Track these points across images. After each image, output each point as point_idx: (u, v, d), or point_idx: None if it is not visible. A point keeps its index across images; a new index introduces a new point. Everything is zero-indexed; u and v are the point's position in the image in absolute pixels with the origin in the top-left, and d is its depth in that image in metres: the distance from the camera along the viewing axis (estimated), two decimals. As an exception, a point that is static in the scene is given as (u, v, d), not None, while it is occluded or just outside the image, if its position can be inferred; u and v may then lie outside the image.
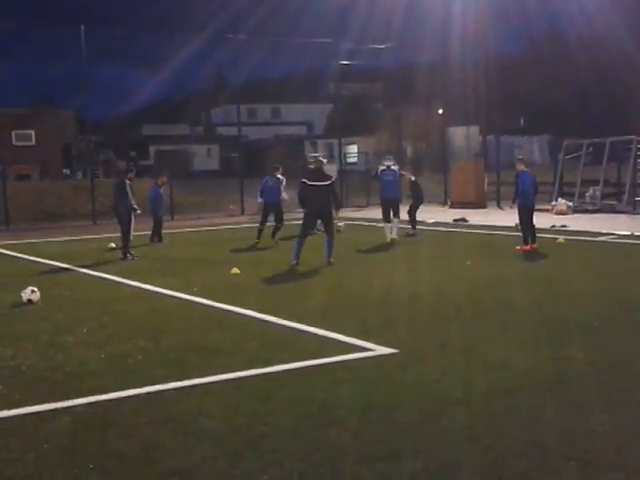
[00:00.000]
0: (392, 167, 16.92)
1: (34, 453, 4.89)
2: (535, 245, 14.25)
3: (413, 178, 18.61)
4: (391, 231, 16.44)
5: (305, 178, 13.31)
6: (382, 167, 16.97)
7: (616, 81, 40.98)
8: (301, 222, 13.65)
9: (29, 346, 7.75)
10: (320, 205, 13.10)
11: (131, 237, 15.05)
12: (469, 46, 41.05)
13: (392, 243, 16.20)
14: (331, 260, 13.05)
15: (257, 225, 17.39)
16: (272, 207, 17.12)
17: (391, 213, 16.50)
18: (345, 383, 6.16)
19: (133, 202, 14.88)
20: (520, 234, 14.65)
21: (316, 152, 51.20)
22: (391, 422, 5.24)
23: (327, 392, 5.90)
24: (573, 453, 4.63)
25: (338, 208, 13.90)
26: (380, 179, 16.84)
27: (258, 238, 16.84)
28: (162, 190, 18.11)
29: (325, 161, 14.00)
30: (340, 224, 18.28)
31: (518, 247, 14.30)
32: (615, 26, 38.70)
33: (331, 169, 19.47)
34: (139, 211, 15.06)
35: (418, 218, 18.22)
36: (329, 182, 13.12)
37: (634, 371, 6.32)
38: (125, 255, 14.81)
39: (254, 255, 15.27)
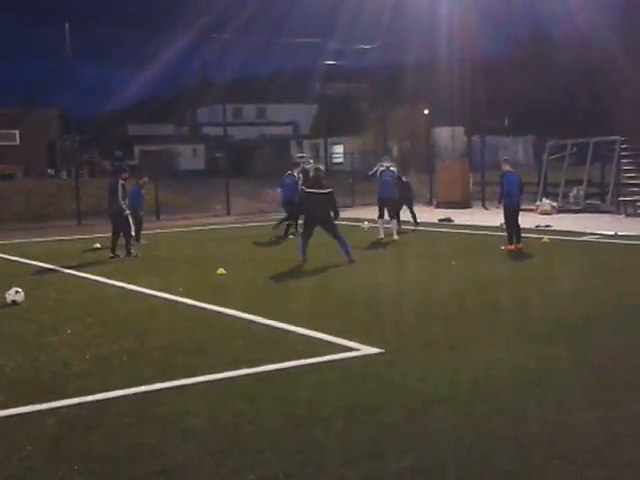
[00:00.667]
0: (391, 168, 17.28)
1: (18, 454, 4.86)
2: (520, 245, 14.33)
3: (404, 179, 18.79)
4: (392, 232, 16.80)
5: (304, 185, 13.85)
6: (381, 167, 17.31)
7: (600, 81, 41.25)
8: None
9: (13, 347, 7.71)
10: (317, 212, 13.35)
11: (132, 234, 15.21)
12: (455, 46, 41.20)
13: (382, 242, 16.47)
14: (352, 258, 13.17)
15: (247, 225, 17.64)
16: (287, 203, 18.03)
17: (386, 213, 17.00)
18: (331, 383, 6.17)
19: (122, 203, 14.83)
20: (505, 234, 14.72)
21: (302, 152, 51.24)
22: (376, 422, 5.26)
23: (313, 392, 5.91)
24: (557, 451, 4.67)
25: (336, 217, 13.91)
26: (380, 179, 17.16)
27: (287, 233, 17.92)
28: (143, 191, 17.96)
29: (312, 163, 14.38)
30: (364, 225, 18.91)
31: (503, 247, 14.38)
32: (599, 26, 38.94)
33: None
34: (127, 212, 14.99)
35: (404, 218, 18.29)
36: (327, 191, 13.39)
37: (617, 370, 6.38)
38: (129, 252, 14.92)
39: (240, 255, 15.24)
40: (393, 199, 17.13)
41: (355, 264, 13.01)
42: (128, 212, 15.02)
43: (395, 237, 16.73)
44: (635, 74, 36.97)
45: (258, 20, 41.95)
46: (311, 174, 14.69)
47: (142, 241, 17.48)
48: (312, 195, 13.37)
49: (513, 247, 14.23)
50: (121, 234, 15.06)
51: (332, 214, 13.53)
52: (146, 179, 18.29)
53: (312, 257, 13.67)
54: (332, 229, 13.44)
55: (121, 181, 15.05)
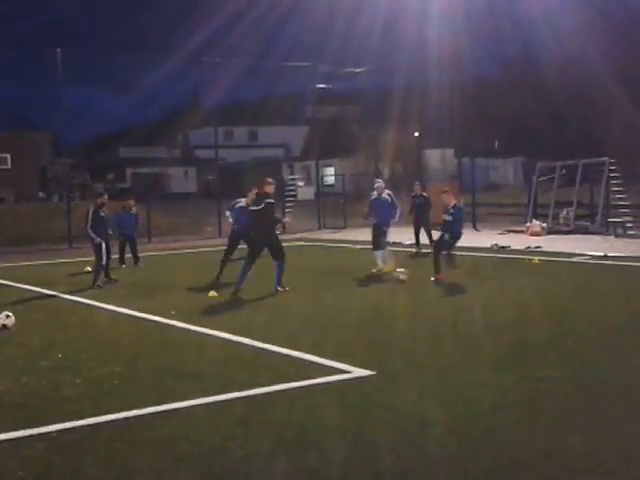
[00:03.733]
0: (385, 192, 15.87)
1: (9, 480, 4.83)
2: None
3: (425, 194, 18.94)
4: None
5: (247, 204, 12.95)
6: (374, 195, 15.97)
7: (589, 104, 41.67)
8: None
9: (3, 371, 7.66)
10: (258, 229, 12.39)
11: (103, 263, 14.41)
12: (444, 69, 41.64)
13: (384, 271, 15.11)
14: (279, 288, 12.50)
15: (238, 247, 17.39)
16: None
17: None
18: (323, 405, 6.16)
19: (90, 231, 14.24)
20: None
21: (293, 174, 51.39)
22: (370, 444, 5.25)
23: (305, 415, 5.90)
24: (551, 472, 4.67)
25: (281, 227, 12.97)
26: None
27: None
28: (133, 211, 17.73)
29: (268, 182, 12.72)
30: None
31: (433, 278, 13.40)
32: (587, 49, 39.42)
33: (308, 191, 19.47)
34: (96, 240, 14.24)
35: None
36: (262, 205, 12.27)
37: (609, 390, 6.40)
38: (94, 283, 14.19)
39: (231, 277, 15.22)
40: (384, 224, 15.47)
41: (345, 286, 13.01)
42: (99, 240, 14.27)
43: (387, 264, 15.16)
44: (623, 97, 37.37)
45: (248, 44, 42.30)
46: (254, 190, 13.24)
47: (140, 264, 17.45)
48: (252, 212, 12.49)
49: (441, 277, 13.27)
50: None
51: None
52: (132, 202, 18.01)
53: (303, 280, 13.70)
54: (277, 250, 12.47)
55: (93, 207, 14.45)
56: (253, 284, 13.79)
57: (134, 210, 17.98)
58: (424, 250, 17.72)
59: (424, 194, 19.14)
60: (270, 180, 12.65)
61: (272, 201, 12.50)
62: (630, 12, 44.63)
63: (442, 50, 39.31)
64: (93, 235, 14.36)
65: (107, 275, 14.85)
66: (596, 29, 39.67)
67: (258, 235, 12.57)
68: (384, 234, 15.41)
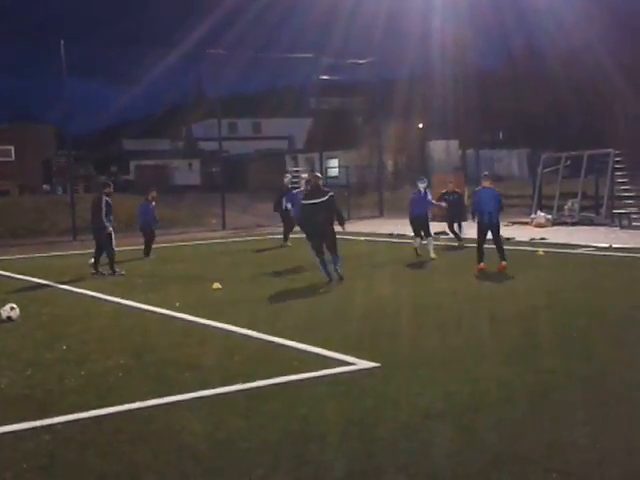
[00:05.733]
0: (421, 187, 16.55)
1: (12, 472, 4.83)
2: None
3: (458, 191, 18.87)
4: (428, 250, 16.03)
5: (303, 198, 12.95)
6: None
7: (593, 95, 41.53)
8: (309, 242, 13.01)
9: (8, 363, 7.68)
10: (319, 224, 12.41)
11: (114, 253, 14.78)
12: (448, 61, 41.51)
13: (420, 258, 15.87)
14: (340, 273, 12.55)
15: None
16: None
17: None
18: (327, 398, 6.16)
19: (105, 220, 14.45)
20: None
21: (297, 166, 51.30)
22: (373, 437, 5.25)
23: (309, 407, 5.90)
24: (554, 465, 4.66)
25: (342, 224, 13.00)
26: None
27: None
28: (153, 204, 18.18)
29: (317, 176, 13.23)
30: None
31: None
32: (591, 41, 39.25)
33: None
34: (110, 229, 14.53)
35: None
36: (327, 198, 12.41)
37: (613, 383, 6.38)
38: (113, 271, 14.58)
39: (236, 269, 15.23)
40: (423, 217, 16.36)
41: (350, 278, 13.00)
42: (111, 229, 14.56)
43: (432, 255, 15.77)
44: (627, 89, 37.23)
45: (252, 36, 42.20)
46: (309, 185, 13.40)
47: (151, 255, 17.54)
48: (312, 206, 12.48)
49: (482, 266, 13.53)
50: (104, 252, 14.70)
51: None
52: (155, 193, 18.44)
53: (307, 272, 13.69)
54: (331, 243, 12.53)
55: (105, 197, 14.66)
56: (256, 276, 13.80)
57: (154, 203, 18.31)
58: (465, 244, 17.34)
59: (457, 190, 19.10)
60: (318, 175, 13.28)
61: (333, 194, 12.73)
62: (634, 4, 44.40)
63: (446, 42, 39.22)
64: (107, 224, 14.50)
65: (95, 267, 14.83)
66: (600, 21, 39.48)
67: (318, 227, 12.51)
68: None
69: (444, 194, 18.77)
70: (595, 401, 5.90)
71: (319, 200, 12.43)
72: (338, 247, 12.79)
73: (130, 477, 4.72)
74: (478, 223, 13.87)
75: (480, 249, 13.68)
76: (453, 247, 17.79)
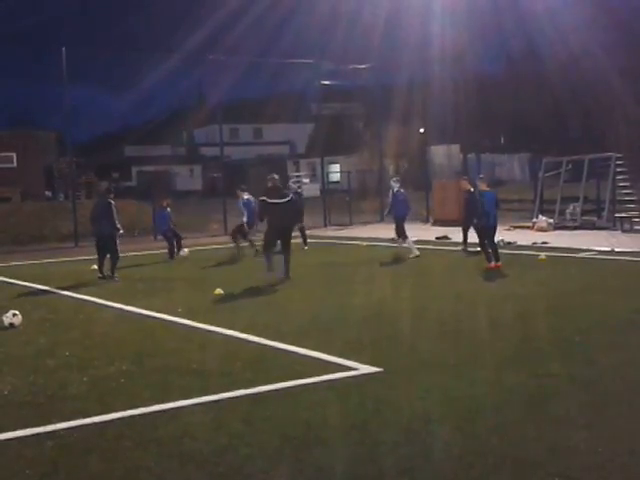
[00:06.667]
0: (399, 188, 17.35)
1: (16, 479, 4.84)
2: (499, 263, 14.25)
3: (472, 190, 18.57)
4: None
5: (264, 196, 13.83)
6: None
7: (593, 99, 41.55)
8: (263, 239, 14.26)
9: (10, 370, 7.69)
10: (283, 222, 13.67)
11: (119, 257, 15.00)
12: (449, 66, 41.57)
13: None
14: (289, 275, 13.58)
15: (256, 243, 18.16)
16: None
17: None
18: (329, 403, 6.16)
19: (117, 222, 14.77)
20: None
21: (299, 171, 51.37)
22: (375, 441, 5.25)
23: (311, 412, 5.90)
24: (556, 470, 4.66)
25: (300, 221, 14.36)
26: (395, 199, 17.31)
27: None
28: (168, 210, 19.10)
29: (276, 176, 14.34)
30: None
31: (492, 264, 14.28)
32: (591, 46, 39.30)
33: (313, 188, 19.89)
34: (122, 231, 14.98)
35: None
36: (289, 199, 13.71)
37: (614, 387, 6.38)
38: (113, 274, 14.75)
39: (237, 274, 15.24)
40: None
41: (351, 282, 13.01)
42: (122, 232, 14.95)
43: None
44: (627, 93, 37.27)
45: (252, 41, 42.30)
46: (269, 184, 14.29)
47: (182, 252, 18.57)
48: (274, 205, 13.56)
49: (493, 265, 14.20)
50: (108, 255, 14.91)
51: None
52: (169, 200, 19.43)
53: (309, 277, 13.70)
54: (287, 242, 13.77)
55: (112, 203, 14.87)
56: (257, 281, 13.81)
57: (168, 209, 19.15)
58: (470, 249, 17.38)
59: (471, 190, 18.48)
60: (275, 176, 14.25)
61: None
62: (634, 8, 44.46)
63: (446, 46, 39.28)
64: (119, 226, 14.81)
65: (101, 270, 14.91)
66: (600, 25, 39.52)
67: (281, 225, 13.72)
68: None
69: (467, 192, 17.98)
70: (596, 405, 5.91)
71: (282, 201, 13.61)
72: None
73: (132, 483, 4.73)
74: (483, 225, 14.16)
75: (487, 249, 14.30)
76: (459, 251, 17.79)
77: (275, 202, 13.60)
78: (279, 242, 14.07)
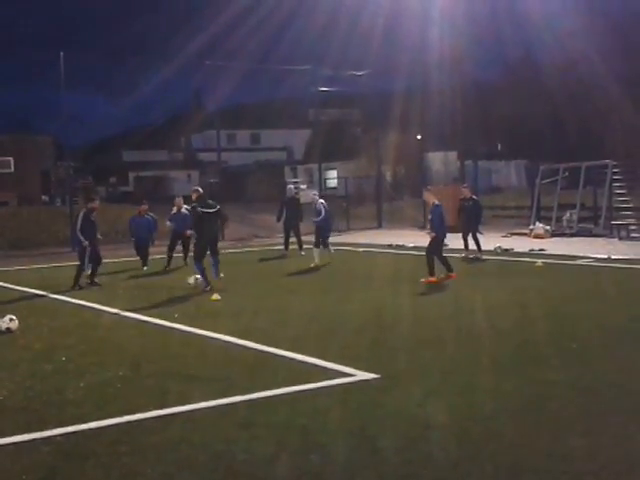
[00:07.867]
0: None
1: (12, 484, 4.83)
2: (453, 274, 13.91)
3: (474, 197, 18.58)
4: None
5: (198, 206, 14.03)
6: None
7: (590, 106, 41.68)
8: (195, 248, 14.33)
9: (7, 375, 7.66)
10: (214, 230, 14.13)
11: (84, 267, 14.73)
12: (446, 72, 41.63)
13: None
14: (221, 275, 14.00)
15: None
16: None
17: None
18: (327, 409, 6.15)
19: (79, 234, 14.60)
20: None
21: (296, 177, 51.38)
22: (373, 448, 5.24)
23: (308, 418, 5.90)
24: (553, 476, 4.66)
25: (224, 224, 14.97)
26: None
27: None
28: (150, 216, 18.50)
29: (200, 190, 14.59)
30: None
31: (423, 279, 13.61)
32: (588, 52, 39.44)
33: (310, 194, 20.13)
34: (85, 243, 14.59)
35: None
36: (217, 208, 14.04)
37: (612, 394, 6.38)
38: (75, 284, 14.50)
39: (234, 280, 15.23)
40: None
41: (349, 288, 12.99)
42: (86, 243, 14.58)
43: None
44: (624, 99, 37.37)
45: (250, 47, 42.37)
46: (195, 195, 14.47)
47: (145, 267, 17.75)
48: (207, 215, 13.82)
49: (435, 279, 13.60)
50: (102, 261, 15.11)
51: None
52: (146, 207, 18.59)
53: (306, 283, 13.69)
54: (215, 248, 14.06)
55: (84, 211, 14.83)
56: (255, 287, 13.82)
57: (150, 215, 18.45)
58: (471, 256, 17.32)
59: (474, 197, 18.19)
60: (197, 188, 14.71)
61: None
62: (631, 14, 44.66)
63: (443, 53, 39.30)
64: (82, 237, 14.68)
65: (92, 279, 14.83)
66: (597, 31, 39.66)
67: (212, 233, 14.14)
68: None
69: (462, 200, 18.09)
70: (593, 411, 5.91)
71: (213, 210, 13.96)
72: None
73: (129, 489, 4.71)
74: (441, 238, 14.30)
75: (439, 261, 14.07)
76: (463, 258, 17.67)
77: (208, 212, 13.82)
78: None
